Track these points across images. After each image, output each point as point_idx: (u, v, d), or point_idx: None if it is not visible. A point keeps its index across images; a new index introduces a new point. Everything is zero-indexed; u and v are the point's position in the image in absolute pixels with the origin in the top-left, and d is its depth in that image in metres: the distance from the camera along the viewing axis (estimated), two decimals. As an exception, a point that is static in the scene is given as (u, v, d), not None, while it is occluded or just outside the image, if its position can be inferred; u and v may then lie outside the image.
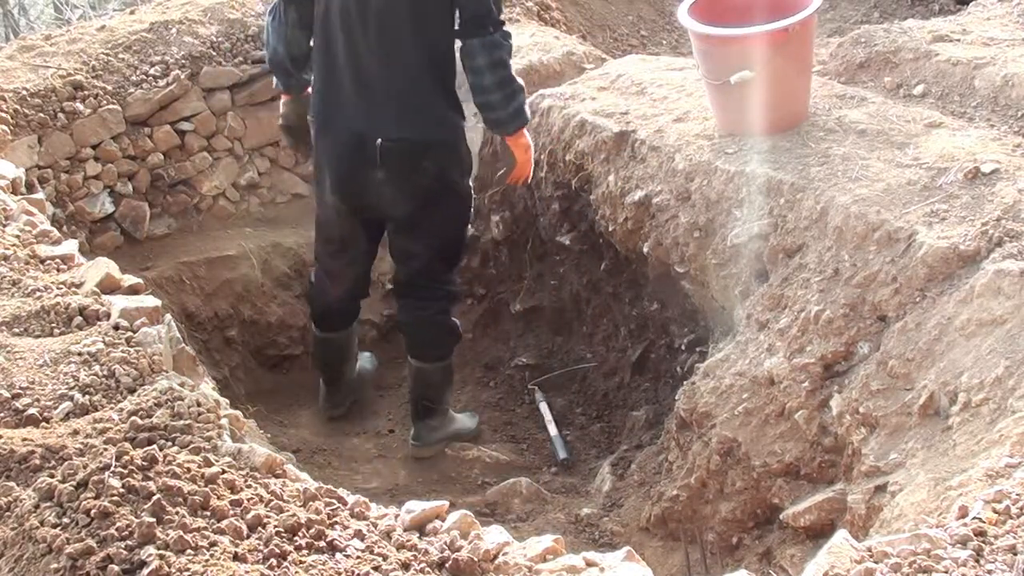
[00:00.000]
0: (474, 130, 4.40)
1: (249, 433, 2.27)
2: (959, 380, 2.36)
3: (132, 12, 4.90)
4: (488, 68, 3.24)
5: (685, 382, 3.21)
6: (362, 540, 1.71)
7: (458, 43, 3.32)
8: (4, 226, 2.84)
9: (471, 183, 3.63)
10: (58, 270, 2.66)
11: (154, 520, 1.67)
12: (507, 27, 3.29)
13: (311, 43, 3.45)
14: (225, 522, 1.70)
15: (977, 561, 1.59)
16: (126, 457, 1.81)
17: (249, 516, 1.72)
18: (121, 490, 1.74)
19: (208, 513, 1.72)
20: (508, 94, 3.31)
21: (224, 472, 1.82)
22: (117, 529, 1.66)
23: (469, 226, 3.78)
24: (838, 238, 2.85)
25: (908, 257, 2.66)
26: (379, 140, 3.33)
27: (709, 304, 3.45)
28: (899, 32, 3.86)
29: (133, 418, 1.93)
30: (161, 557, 1.60)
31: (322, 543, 1.69)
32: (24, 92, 4.16)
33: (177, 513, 1.70)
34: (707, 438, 3.00)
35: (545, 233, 4.31)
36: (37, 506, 1.75)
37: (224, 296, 4.41)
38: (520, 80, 3.38)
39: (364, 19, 3.27)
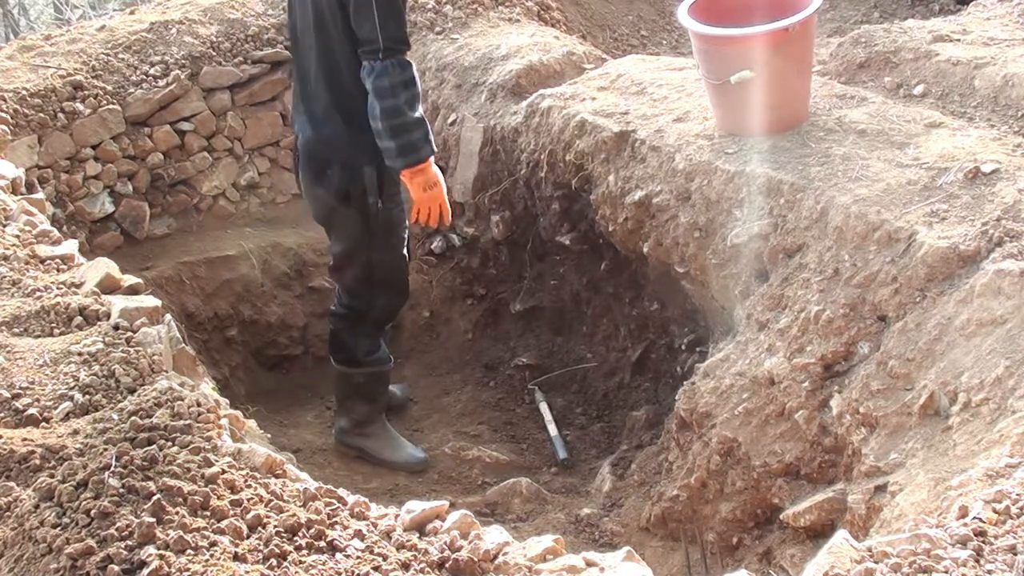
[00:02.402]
0: (473, 130, 4.41)
1: (249, 433, 2.27)
2: (959, 380, 2.36)
3: (132, 12, 4.91)
4: (375, 95, 3.14)
5: (685, 382, 3.21)
6: (362, 540, 1.71)
7: None
8: (4, 226, 2.84)
9: (385, 206, 3.47)
10: (58, 270, 2.66)
11: (154, 520, 1.67)
12: (406, 57, 3.16)
13: None
14: (225, 522, 1.70)
15: (977, 561, 1.58)
16: (126, 457, 1.81)
17: (249, 516, 1.72)
18: (121, 490, 1.74)
19: (208, 513, 1.72)
20: (394, 127, 3.16)
21: (224, 472, 1.82)
22: (117, 529, 1.66)
23: (387, 251, 3.56)
24: (838, 238, 2.85)
25: (908, 257, 2.66)
26: (300, 144, 3.52)
27: (709, 304, 3.45)
28: (899, 32, 3.86)
29: (133, 418, 1.93)
30: (161, 557, 1.60)
31: (322, 543, 1.69)
32: (24, 92, 4.16)
33: (177, 513, 1.70)
34: (707, 438, 3.00)
35: (545, 233, 4.31)
36: (37, 506, 1.75)
37: (224, 296, 4.41)
38: (416, 114, 3.18)
39: (301, 41, 3.43)
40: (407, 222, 3.61)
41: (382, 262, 3.57)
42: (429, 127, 3.28)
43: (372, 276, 3.59)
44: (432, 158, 3.28)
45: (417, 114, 3.20)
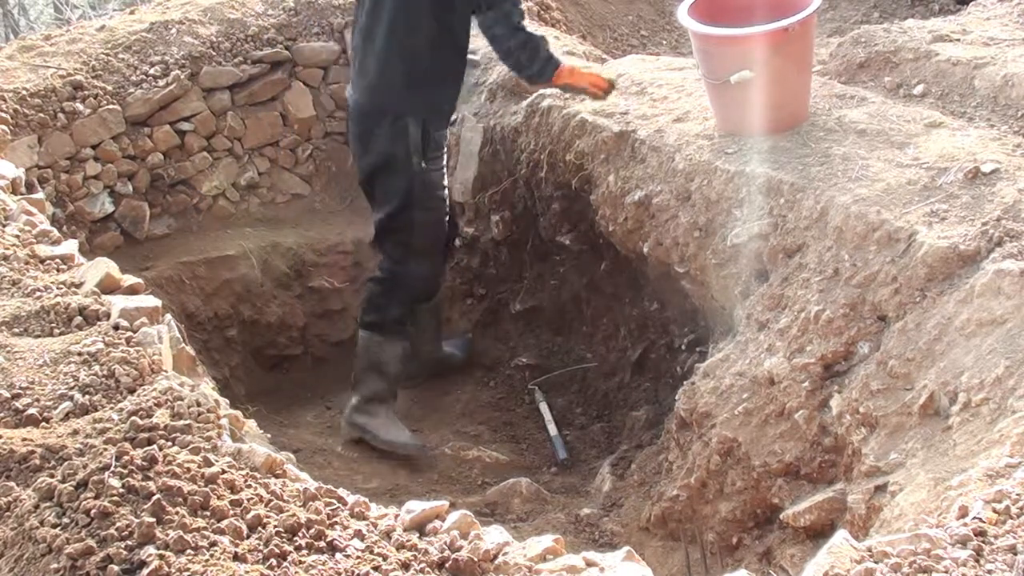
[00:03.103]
0: (473, 130, 4.41)
1: (249, 433, 2.27)
2: (959, 380, 2.36)
3: (132, 12, 4.91)
4: (508, 35, 3.61)
5: (685, 382, 3.21)
6: (362, 540, 1.70)
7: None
8: (4, 226, 2.84)
9: (427, 167, 3.73)
10: (58, 270, 2.65)
11: (154, 520, 1.67)
12: None
13: None
14: (225, 522, 1.70)
15: (977, 561, 1.58)
16: (126, 457, 1.81)
17: (249, 516, 1.72)
18: (121, 490, 1.74)
19: (208, 513, 1.72)
20: (532, 50, 3.66)
21: (224, 472, 1.82)
22: (117, 529, 1.66)
23: (427, 212, 3.80)
24: (838, 238, 2.85)
25: (908, 257, 2.66)
26: (352, 104, 3.84)
27: (709, 304, 3.45)
28: (899, 32, 3.86)
29: (133, 418, 1.93)
30: (161, 557, 1.60)
31: (322, 543, 1.69)
32: (24, 92, 4.16)
33: (177, 513, 1.70)
34: (707, 438, 3.00)
35: (545, 233, 4.31)
36: (37, 506, 1.74)
37: (224, 296, 4.41)
38: (538, 33, 3.75)
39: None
40: (446, 186, 3.89)
41: (423, 223, 3.81)
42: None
43: (412, 239, 3.82)
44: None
45: (540, 32, 3.82)
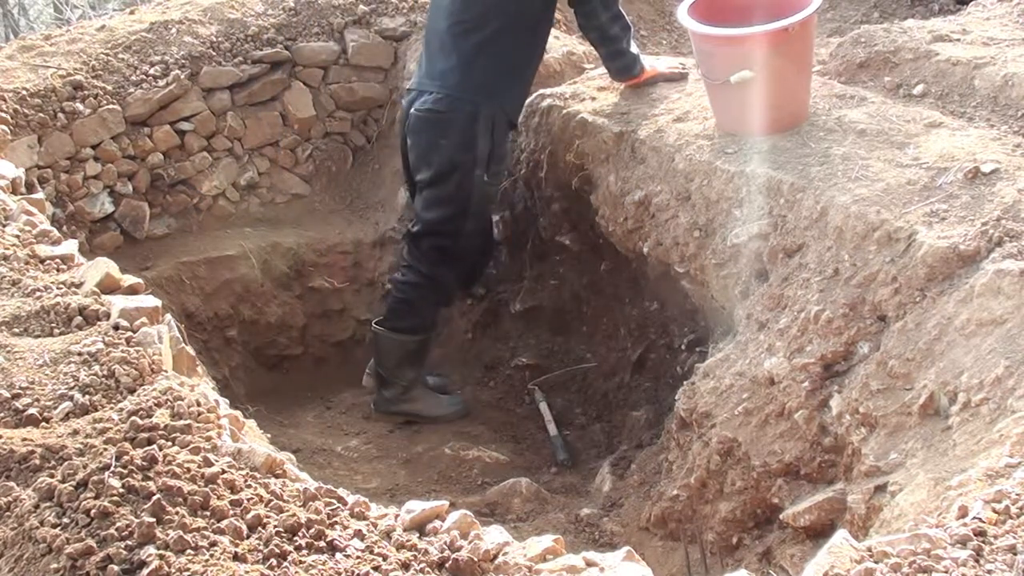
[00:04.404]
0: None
1: (249, 433, 2.27)
2: (959, 380, 2.36)
3: (132, 12, 4.90)
4: (611, 21, 3.77)
5: (685, 382, 3.21)
6: (362, 540, 1.71)
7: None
8: (4, 226, 2.84)
9: (488, 180, 3.77)
10: (58, 270, 2.65)
11: (154, 520, 1.67)
12: None
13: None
14: (225, 522, 1.70)
15: (977, 561, 1.58)
16: (126, 457, 1.81)
17: (249, 516, 1.72)
18: (121, 490, 1.74)
19: (208, 513, 1.72)
20: (629, 36, 3.86)
21: (224, 472, 1.82)
22: (117, 529, 1.66)
23: (475, 222, 3.85)
24: (838, 238, 2.85)
25: (908, 257, 2.66)
26: (412, 109, 3.79)
27: (709, 304, 3.45)
28: (899, 32, 3.85)
29: (133, 418, 1.93)
30: (161, 557, 1.60)
31: (322, 543, 1.69)
32: (24, 92, 4.15)
33: (177, 513, 1.70)
34: (707, 438, 3.00)
35: (545, 233, 4.31)
36: (37, 506, 1.74)
37: (224, 296, 4.41)
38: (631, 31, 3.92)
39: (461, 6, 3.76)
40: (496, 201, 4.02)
41: (469, 232, 3.85)
42: None
43: (454, 245, 3.86)
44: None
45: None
